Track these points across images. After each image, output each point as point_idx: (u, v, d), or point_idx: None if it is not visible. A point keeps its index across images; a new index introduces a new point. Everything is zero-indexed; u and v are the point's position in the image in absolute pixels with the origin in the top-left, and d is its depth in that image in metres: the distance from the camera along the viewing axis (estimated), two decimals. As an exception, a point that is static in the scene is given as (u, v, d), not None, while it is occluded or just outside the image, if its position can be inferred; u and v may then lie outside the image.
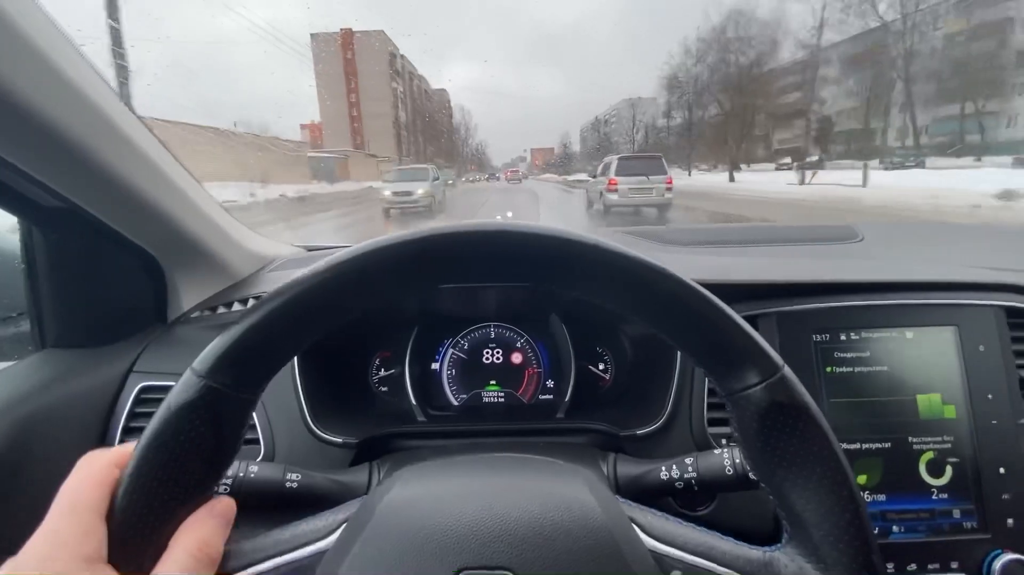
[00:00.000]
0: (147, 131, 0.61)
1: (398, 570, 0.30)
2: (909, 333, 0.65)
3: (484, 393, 0.83)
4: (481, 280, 0.33)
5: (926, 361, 0.64)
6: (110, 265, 0.69)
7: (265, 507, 0.50)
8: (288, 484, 0.50)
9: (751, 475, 0.50)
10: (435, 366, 0.83)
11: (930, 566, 0.60)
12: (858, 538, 0.30)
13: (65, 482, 0.30)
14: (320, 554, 0.32)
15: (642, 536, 0.33)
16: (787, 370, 0.31)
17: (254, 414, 0.38)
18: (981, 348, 0.64)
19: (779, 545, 0.33)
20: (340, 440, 0.65)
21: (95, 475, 0.30)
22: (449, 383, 0.83)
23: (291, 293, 0.31)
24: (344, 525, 0.34)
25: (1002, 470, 0.61)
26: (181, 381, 0.31)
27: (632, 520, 0.33)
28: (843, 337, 0.65)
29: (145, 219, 0.64)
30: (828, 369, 0.64)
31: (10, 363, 0.65)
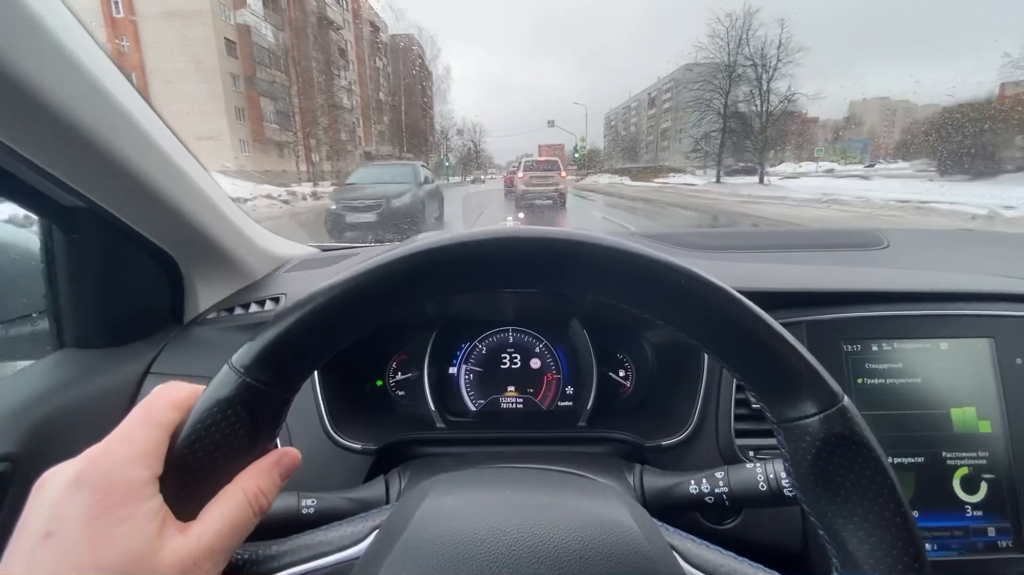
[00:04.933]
0: (165, 126, 0.61)
1: None
2: (943, 344, 0.63)
3: (502, 398, 0.81)
4: (523, 286, 0.32)
5: (961, 373, 0.63)
6: (128, 265, 0.68)
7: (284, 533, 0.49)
8: (304, 511, 0.50)
9: (787, 492, 0.48)
10: (452, 370, 0.82)
11: None
12: None
13: (143, 400, 0.30)
14: (350, 561, 0.31)
15: (682, 564, 0.31)
16: (847, 401, 0.30)
17: None
18: (1019, 361, 0.62)
19: None
20: (359, 446, 0.64)
21: (172, 399, 0.30)
22: (467, 388, 0.82)
23: (333, 293, 0.30)
24: (375, 532, 0.32)
25: None
26: (218, 376, 0.29)
27: (672, 547, 0.32)
28: (875, 347, 0.63)
29: (163, 218, 0.63)
30: (859, 380, 0.63)
31: (29, 363, 0.65)
